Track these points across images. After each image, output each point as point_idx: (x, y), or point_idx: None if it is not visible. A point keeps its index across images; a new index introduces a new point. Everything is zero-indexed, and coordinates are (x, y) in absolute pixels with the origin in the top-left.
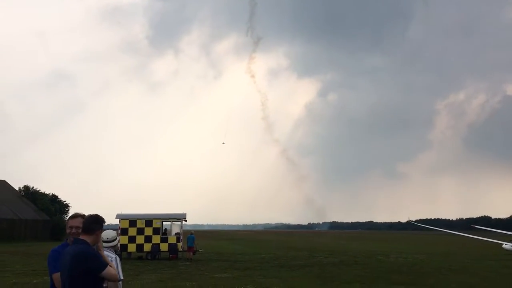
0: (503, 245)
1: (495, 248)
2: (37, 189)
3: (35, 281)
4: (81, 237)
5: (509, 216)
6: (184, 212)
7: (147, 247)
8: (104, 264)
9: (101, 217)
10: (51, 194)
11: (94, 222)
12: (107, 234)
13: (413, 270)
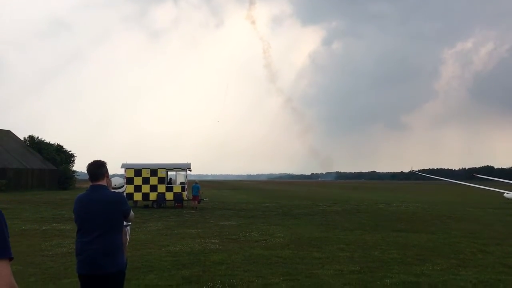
0: (505, 194)
1: (497, 196)
2: (42, 139)
3: (44, 228)
4: (96, 183)
5: (511, 166)
6: (189, 162)
7: (153, 196)
8: (130, 206)
9: (102, 160)
10: (56, 144)
11: (101, 166)
12: (115, 181)
13: (414, 218)
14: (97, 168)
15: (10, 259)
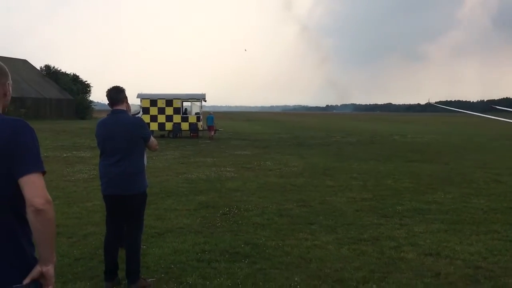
0: None
1: None
2: (58, 69)
3: (64, 155)
4: (116, 108)
5: None
6: (204, 93)
7: (169, 126)
8: (150, 132)
9: (121, 86)
10: (72, 74)
11: (119, 92)
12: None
13: (429, 149)
14: (117, 93)
15: (43, 173)
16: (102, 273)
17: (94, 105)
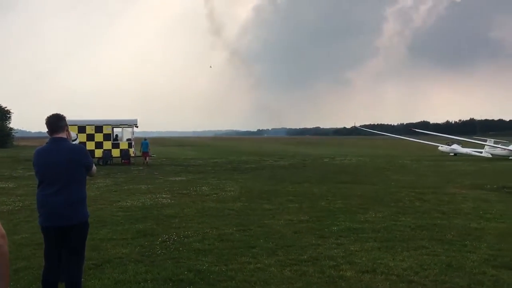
0: (439, 147)
1: (432, 150)
2: None
3: None
4: (56, 136)
5: (445, 121)
6: (135, 118)
7: (98, 153)
8: (92, 160)
9: (61, 114)
10: None
11: (60, 119)
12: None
13: (357, 171)
14: (58, 121)
15: None
16: None
17: (15, 133)
